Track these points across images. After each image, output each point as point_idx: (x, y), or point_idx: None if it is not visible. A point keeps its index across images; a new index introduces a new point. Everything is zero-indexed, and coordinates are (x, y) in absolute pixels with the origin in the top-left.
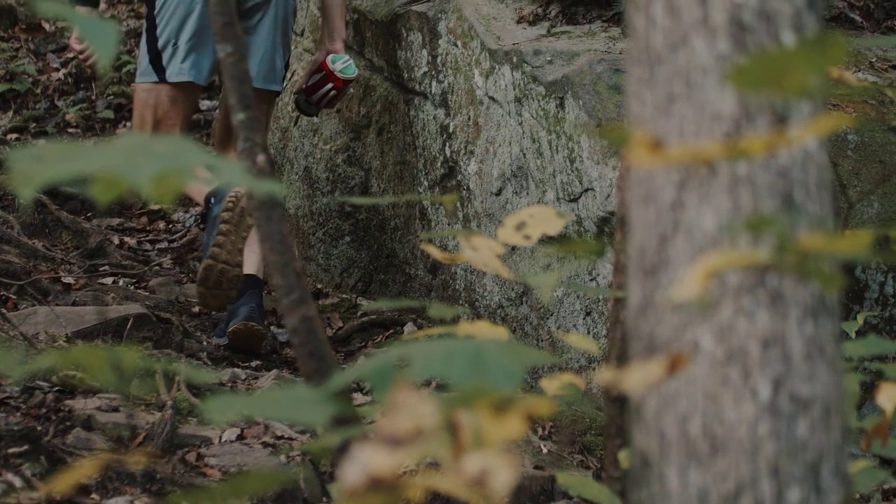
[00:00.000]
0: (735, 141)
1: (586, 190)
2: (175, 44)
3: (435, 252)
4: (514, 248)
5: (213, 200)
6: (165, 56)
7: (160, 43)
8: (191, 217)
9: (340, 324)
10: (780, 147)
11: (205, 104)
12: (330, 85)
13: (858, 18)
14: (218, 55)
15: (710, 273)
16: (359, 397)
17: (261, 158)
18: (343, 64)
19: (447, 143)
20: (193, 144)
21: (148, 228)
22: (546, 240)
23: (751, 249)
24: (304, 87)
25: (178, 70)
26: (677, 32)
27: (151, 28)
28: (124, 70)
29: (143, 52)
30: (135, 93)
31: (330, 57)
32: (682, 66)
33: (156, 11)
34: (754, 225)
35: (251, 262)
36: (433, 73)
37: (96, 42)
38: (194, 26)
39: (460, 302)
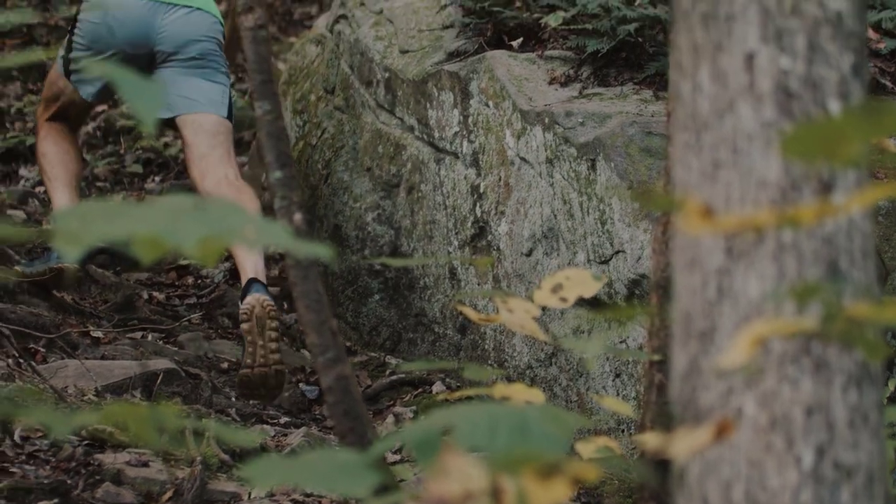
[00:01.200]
0: (785, 209)
1: (617, 252)
2: (79, 73)
3: (470, 313)
4: (543, 309)
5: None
6: (73, 63)
7: (73, 52)
8: (220, 273)
9: (369, 382)
10: (829, 216)
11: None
12: None
13: (889, 84)
14: (255, 112)
15: (757, 340)
16: (388, 456)
17: (297, 217)
18: None
19: (478, 203)
20: (238, 206)
21: (177, 283)
22: (579, 302)
23: (797, 317)
24: None
25: (77, 80)
26: (723, 99)
27: (73, 30)
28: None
29: (66, 40)
30: (55, 62)
31: None
32: (728, 133)
33: (77, 22)
34: (802, 293)
35: (249, 267)
36: (464, 132)
37: (141, 103)
38: (94, 53)
39: (489, 362)
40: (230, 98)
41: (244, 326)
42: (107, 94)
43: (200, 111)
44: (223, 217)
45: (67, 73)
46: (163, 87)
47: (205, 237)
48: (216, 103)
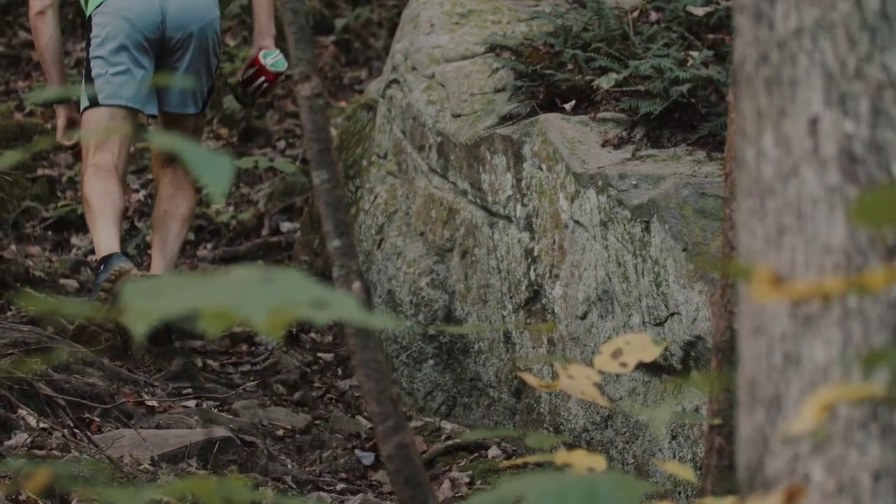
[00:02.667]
0: (851, 274)
1: (672, 314)
2: (107, 72)
3: (530, 379)
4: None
5: (101, 268)
6: (99, 82)
7: (94, 72)
8: (273, 340)
9: (424, 447)
10: None
11: (285, 226)
12: (262, 78)
13: None
14: (313, 181)
15: (824, 407)
16: None
17: (356, 285)
18: (274, 59)
19: (532, 267)
20: (304, 276)
21: (231, 351)
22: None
23: (864, 383)
24: (239, 80)
25: (109, 94)
26: (787, 164)
27: (88, 55)
28: (203, 192)
29: (84, 79)
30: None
31: (262, 52)
32: (792, 198)
33: (92, 36)
34: (869, 359)
35: (156, 263)
36: (518, 196)
37: (210, 176)
38: (124, 56)
39: (545, 425)
40: (212, 86)
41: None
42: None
43: (182, 111)
44: (289, 288)
45: (95, 99)
46: (231, 163)
47: (274, 307)
48: (198, 101)
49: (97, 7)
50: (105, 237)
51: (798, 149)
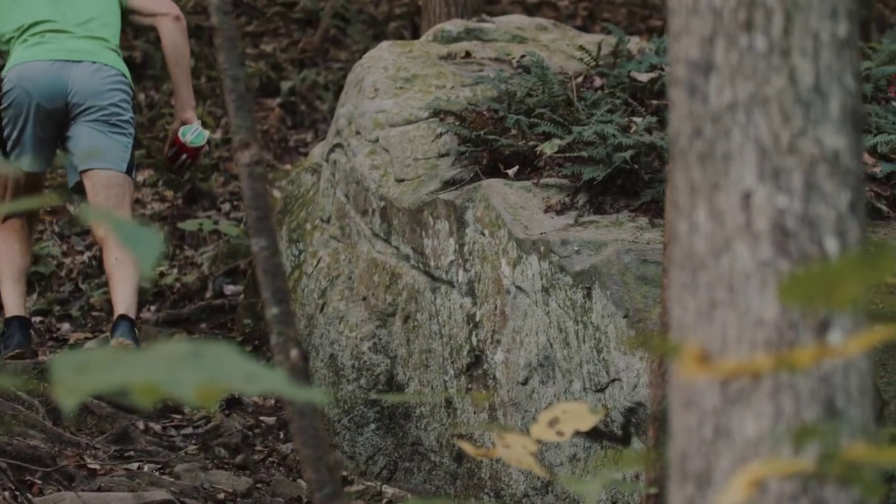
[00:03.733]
0: (782, 350)
1: (613, 380)
2: (14, 145)
3: (468, 448)
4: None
5: (5, 331)
6: (9, 150)
7: (6, 142)
8: (216, 403)
9: None
10: (826, 358)
11: (229, 289)
12: (185, 155)
13: (885, 209)
14: (252, 248)
15: (754, 482)
16: None
17: (294, 353)
18: (193, 134)
19: (473, 332)
20: (235, 349)
21: (173, 414)
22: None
23: (795, 458)
24: (166, 157)
25: (12, 155)
26: (720, 238)
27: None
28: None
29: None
30: None
31: (181, 129)
32: (724, 272)
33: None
34: (800, 435)
35: (120, 301)
36: (460, 261)
37: (139, 251)
38: (25, 134)
39: (486, 490)
40: (132, 153)
41: None
42: (45, 160)
43: (100, 168)
44: (219, 363)
45: (6, 154)
46: (160, 238)
47: (202, 382)
48: (115, 160)
49: (9, 69)
50: (6, 296)
51: (731, 223)
